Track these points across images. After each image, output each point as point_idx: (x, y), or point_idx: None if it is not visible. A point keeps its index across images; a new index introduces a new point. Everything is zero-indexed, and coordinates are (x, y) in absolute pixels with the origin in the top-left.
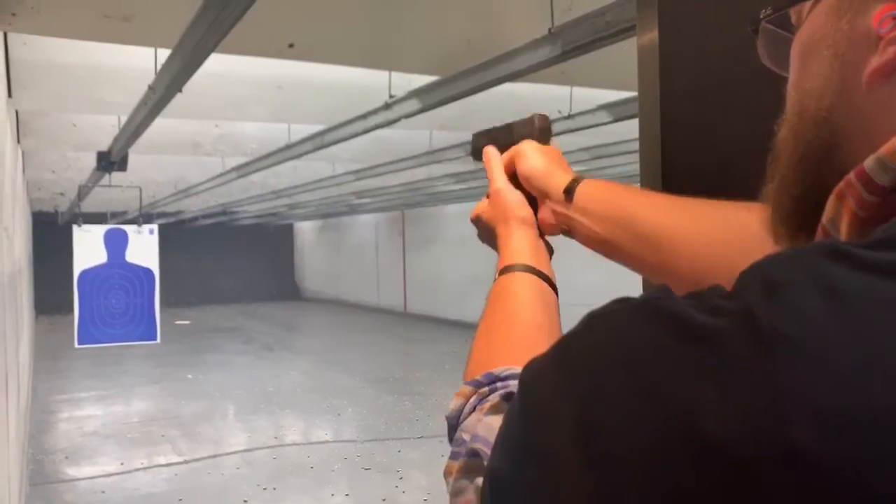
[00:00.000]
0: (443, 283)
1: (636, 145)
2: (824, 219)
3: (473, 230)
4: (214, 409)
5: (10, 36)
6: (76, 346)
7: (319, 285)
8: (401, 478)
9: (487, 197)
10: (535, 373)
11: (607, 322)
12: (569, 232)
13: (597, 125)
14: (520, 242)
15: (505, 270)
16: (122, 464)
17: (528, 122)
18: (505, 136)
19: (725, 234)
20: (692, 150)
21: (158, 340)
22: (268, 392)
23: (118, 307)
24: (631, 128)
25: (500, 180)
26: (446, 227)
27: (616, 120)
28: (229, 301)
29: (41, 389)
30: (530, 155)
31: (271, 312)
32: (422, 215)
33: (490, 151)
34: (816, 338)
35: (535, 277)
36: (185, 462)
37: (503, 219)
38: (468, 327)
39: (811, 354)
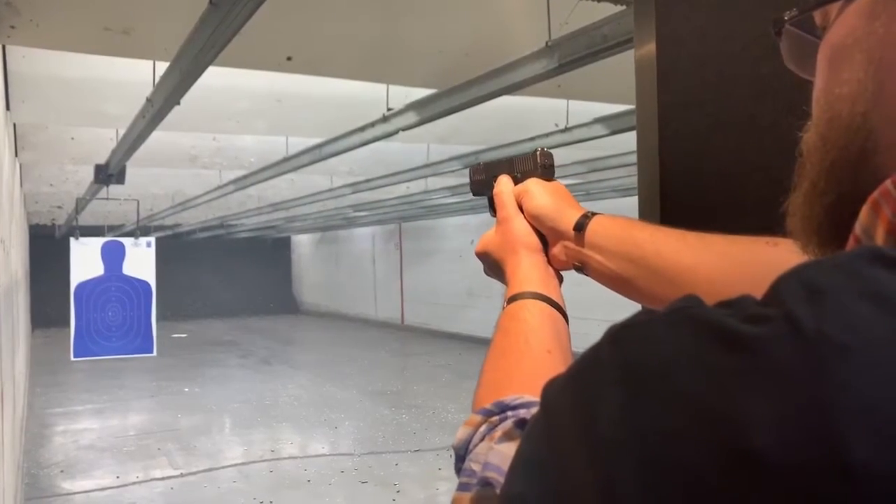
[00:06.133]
0: (440, 296)
1: (633, 158)
2: (857, 228)
3: (470, 242)
4: (211, 423)
5: (9, 49)
6: (72, 359)
7: (317, 298)
8: (398, 491)
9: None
10: (558, 390)
11: (636, 333)
12: (581, 269)
13: (593, 138)
14: (529, 270)
15: (514, 298)
16: (117, 477)
17: (530, 157)
18: (505, 171)
19: (746, 270)
20: (690, 162)
21: (155, 353)
22: (265, 405)
23: (115, 320)
24: (627, 140)
25: (510, 209)
26: (444, 240)
27: (612, 133)
28: (226, 314)
29: (37, 403)
30: (537, 193)
31: (269, 326)
32: (419, 228)
33: (503, 181)
34: (868, 344)
35: (544, 304)
36: (182, 475)
37: (511, 248)
38: (465, 340)
39: (864, 361)
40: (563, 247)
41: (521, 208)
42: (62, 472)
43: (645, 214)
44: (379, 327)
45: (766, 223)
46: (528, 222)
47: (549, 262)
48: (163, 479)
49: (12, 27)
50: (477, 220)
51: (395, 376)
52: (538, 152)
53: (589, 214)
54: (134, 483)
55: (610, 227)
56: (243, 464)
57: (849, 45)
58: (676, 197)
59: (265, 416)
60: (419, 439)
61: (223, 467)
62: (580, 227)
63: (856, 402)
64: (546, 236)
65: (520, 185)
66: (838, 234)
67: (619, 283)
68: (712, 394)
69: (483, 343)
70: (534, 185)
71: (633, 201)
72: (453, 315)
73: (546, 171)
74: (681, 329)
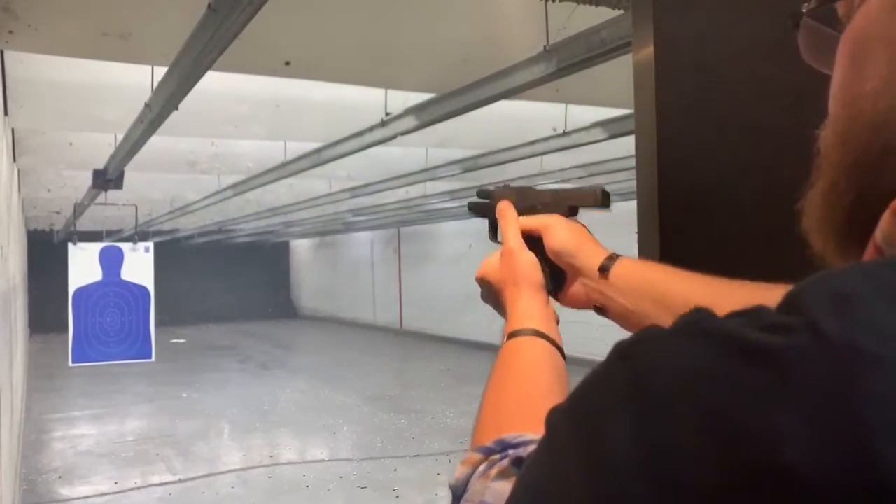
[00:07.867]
0: (438, 301)
1: (632, 162)
2: (878, 236)
3: (468, 247)
4: (209, 428)
5: (7, 54)
6: (70, 364)
7: (315, 303)
8: (397, 496)
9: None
10: (562, 413)
11: (648, 348)
12: (601, 309)
13: (592, 142)
14: (530, 307)
15: (514, 334)
16: (115, 483)
17: (589, 193)
18: (553, 201)
19: None
20: (688, 165)
21: (153, 359)
22: (263, 410)
23: (113, 325)
24: (626, 145)
25: (515, 240)
26: (442, 245)
27: (611, 137)
28: (225, 319)
29: (35, 408)
30: (559, 230)
31: (267, 330)
32: (417, 233)
33: (505, 207)
34: None
35: (545, 342)
36: (180, 481)
37: (513, 281)
38: (464, 344)
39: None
40: (582, 285)
41: (540, 240)
42: (60, 477)
43: (644, 217)
44: (377, 332)
45: (764, 225)
46: (547, 256)
47: (565, 298)
48: (161, 484)
49: (10, 32)
50: (475, 225)
51: (394, 381)
52: (599, 190)
53: (613, 256)
54: (132, 489)
55: (635, 271)
56: (242, 469)
57: (872, 39)
58: (675, 200)
59: (264, 422)
60: (418, 444)
61: (222, 473)
62: (604, 268)
63: (891, 417)
64: (566, 271)
65: (539, 219)
66: (857, 235)
67: (640, 327)
68: (734, 409)
69: (481, 347)
70: (556, 221)
71: (632, 205)
72: (452, 319)
73: (603, 205)
74: (695, 342)
